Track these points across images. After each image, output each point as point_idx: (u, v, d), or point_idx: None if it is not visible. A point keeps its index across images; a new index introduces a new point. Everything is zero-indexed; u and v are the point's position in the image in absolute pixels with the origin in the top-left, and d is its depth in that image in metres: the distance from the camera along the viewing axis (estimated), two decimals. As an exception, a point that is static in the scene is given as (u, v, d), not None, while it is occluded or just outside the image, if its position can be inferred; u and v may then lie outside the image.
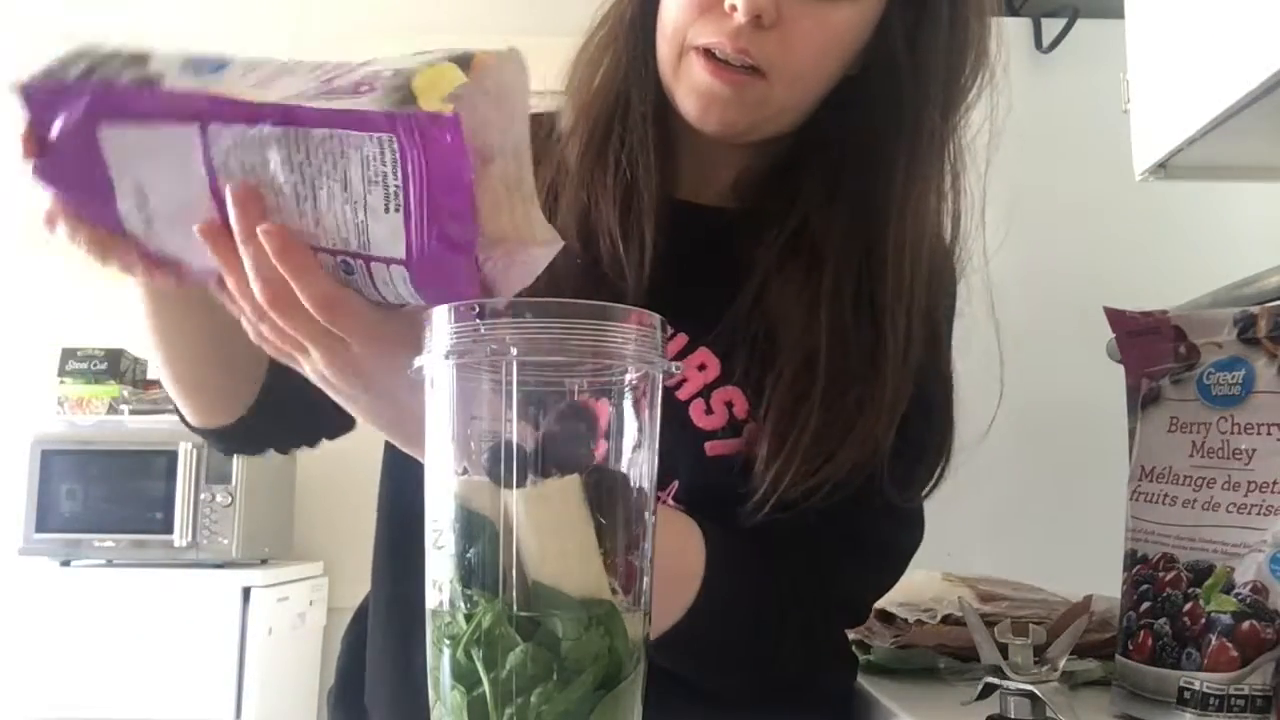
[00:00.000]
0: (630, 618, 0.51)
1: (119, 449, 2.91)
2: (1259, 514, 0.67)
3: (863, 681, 0.95)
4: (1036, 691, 0.63)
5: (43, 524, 2.88)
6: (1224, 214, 1.95)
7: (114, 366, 3.07)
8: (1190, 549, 0.70)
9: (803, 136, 0.86)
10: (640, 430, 0.53)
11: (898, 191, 0.83)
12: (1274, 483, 0.67)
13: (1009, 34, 2.04)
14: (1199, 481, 0.71)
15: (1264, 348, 0.70)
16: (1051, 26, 2.01)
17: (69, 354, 3.07)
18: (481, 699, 0.49)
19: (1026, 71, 2.02)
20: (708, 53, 0.77)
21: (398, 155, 0.51)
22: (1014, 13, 2.07)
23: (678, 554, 0.74)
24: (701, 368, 0.83)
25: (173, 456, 2.85)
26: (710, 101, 0.79)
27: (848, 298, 0.82)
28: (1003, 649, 0.66)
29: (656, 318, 0.53)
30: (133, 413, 2.98)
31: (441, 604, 0.51)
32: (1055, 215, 2.00)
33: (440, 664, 0.51)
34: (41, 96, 0.58)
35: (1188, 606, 0.69)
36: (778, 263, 0.83)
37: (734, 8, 0.74)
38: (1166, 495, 0.72)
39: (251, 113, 0.53)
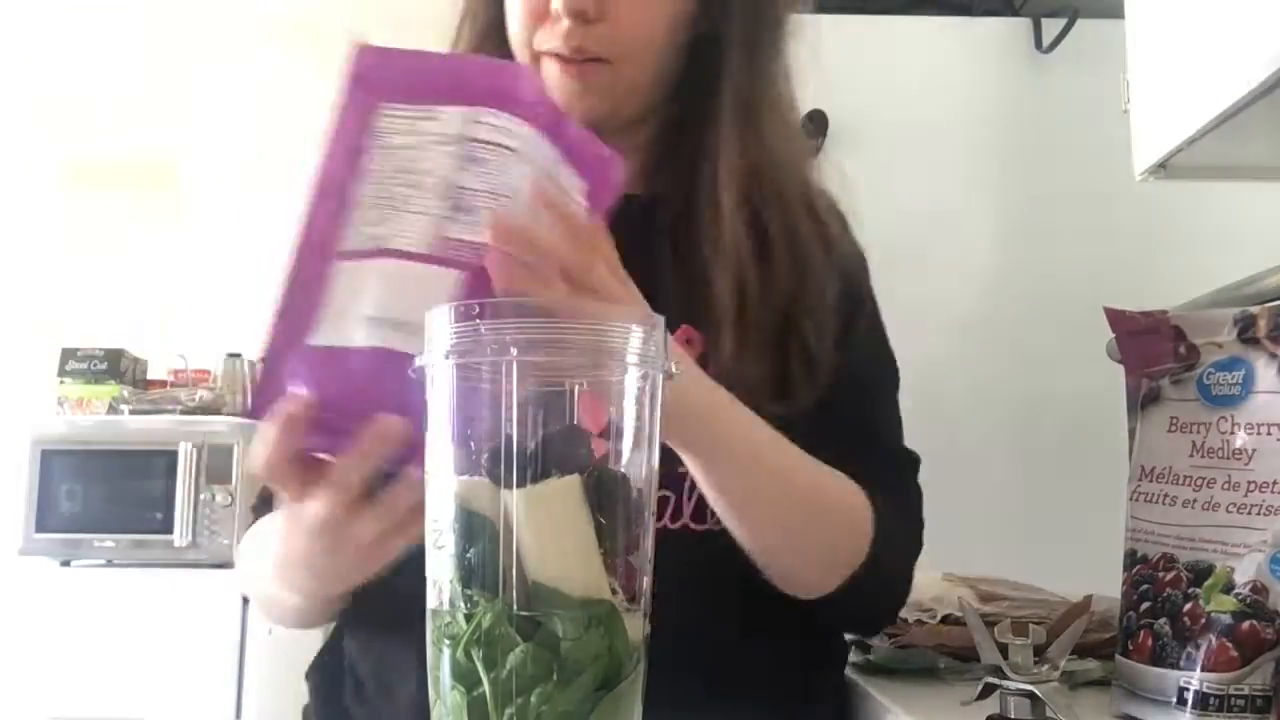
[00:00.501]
0: (630, 618, 0.51)
1: (119, 449, 2.91)
2: (1259, 514, 0.67)
3: (863, 681, 0.95)
4: (1036, 691, 0.63)
5: (43, 524, 2.87)
6: (1224, 214, 1.95)
7: (114, 366, 3.06)
8: (1190, 549, 0.70)
9: (670, 111, 0.95)
10: (640, 430, 0.53)
11: (758, 161, 0.93)
12: (1274, 482, 0.67)
13: (1009, 34, 2.04)
14: (1199, 481, 0.71)
15: (1264, 347, 0.70)
16: (1051, 26, 2.01)
17: (69, 354, 3.06)
18: (481, 699, 0.49)
19: (1026, 71, 2.02)
20: (555, 55, 0.88)
21: None
22: (1014, 13, 2.07)
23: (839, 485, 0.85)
24: (689, 341, 0.88)
25: (173, 456, 2.85)
26: (568, 96, 0.88)
27: (751, 237, 0.91)
28: (1003, 649, 0.66)
29: (658, 318, 0.53)
30: (133, 413, 2.97)
31: (441, 604, 0.51)
32: (1055, 215, 2.00)
33: (440, 664, 0.51)
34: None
35: (1188, 606, 0.69)
36: (684, 237, 0.91)
37: (559, 15, 0.86)
38: (1166, 495, 0.72)
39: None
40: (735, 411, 0.78)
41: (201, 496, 2.84)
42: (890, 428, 0.98)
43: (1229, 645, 0.65)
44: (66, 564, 2.88)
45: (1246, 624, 0.64)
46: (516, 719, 0.48)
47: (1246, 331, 0.71)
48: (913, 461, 0.98)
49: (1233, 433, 0.70)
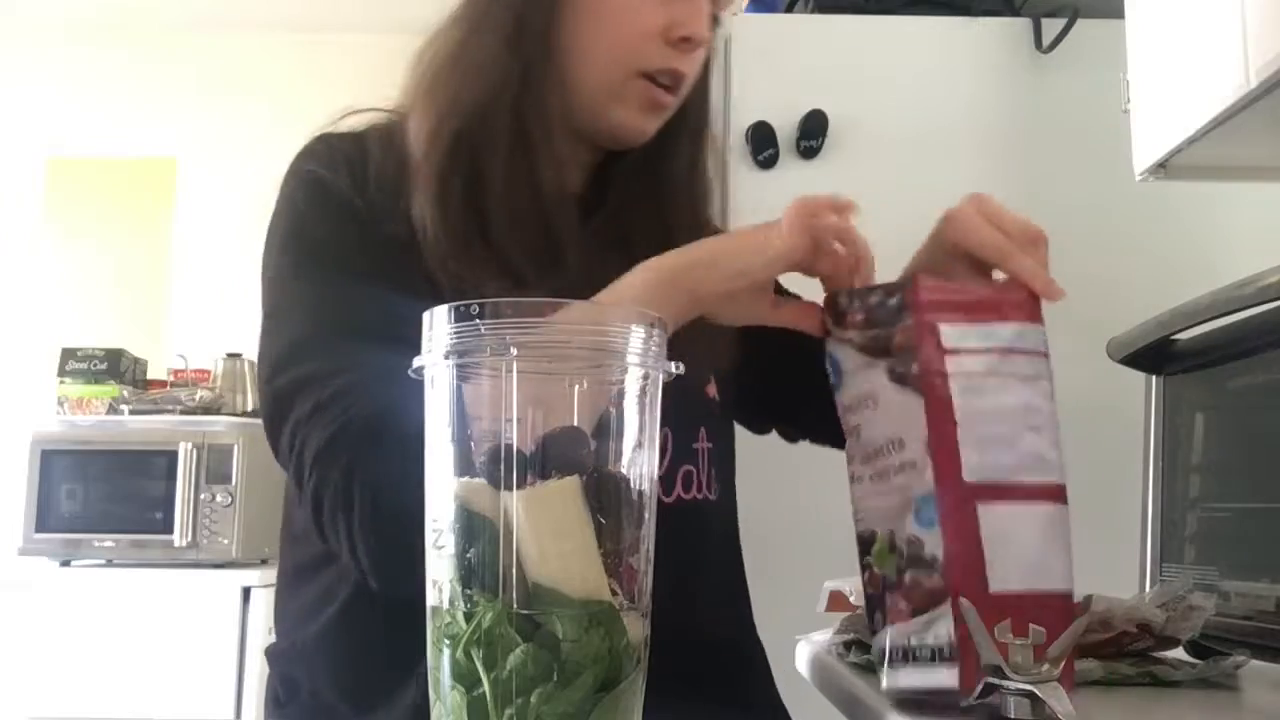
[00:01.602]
0: (630, 618, 0.51)
1: (119, 449, 2.91)
2: (890, 477, 0.71)
3: (862, 681, 0.95)
4: (1036, 691, 0.63)
5: (43, 524, 2.88)
6: (1224, 214, 1.95)
7: (114, 366, 3.07)
8: (863, 522, 0.75)
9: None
10: (640, 431, 0.53)
11: (685, 177, 0.99)
12: (882, 448, 0.71)
13: (1009, 34, 2.04)
14: (849, 458, 0.76)
15: (838, 335, 0.75)
16: (1051, 26, 2.01)
17: (69, 354, 3.07)
18: (481, 699, 0.49)
19: (1026, 71, 2.02)
20: (650, 76, 0.89)
21: None
22: (1014, 13, 2.07)
23: None
24: None
25: (173, 456, 2.85)
26: (644, 118, 0.92)
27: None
28: (1003, 649, 0.66)
29: (658, 318, 0.53)
30: (133, 413, 2.98)
31: (441, 604, 0.51)
32: (1055, 215, 2.00)
33: (440, 664, 0.51)
34: None
35: (867, 575, 0.74)
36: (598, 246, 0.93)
37: (684, 39, 0.88)
38: (851, 475, 0.76)
39: None
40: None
41: (201, 496, 2.84)
42: None
43: (899, 599, 0.70)
44: (66, 564, 2.89)
45: (908, 576, 0.69)
46: (516, 719, 0.48)
47: (834, 321, 0.76)
48: None
49: (845, 414, 0.75)
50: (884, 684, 0.72)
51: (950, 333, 0.71)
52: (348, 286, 0.84)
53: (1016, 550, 0.67)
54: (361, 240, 0.87)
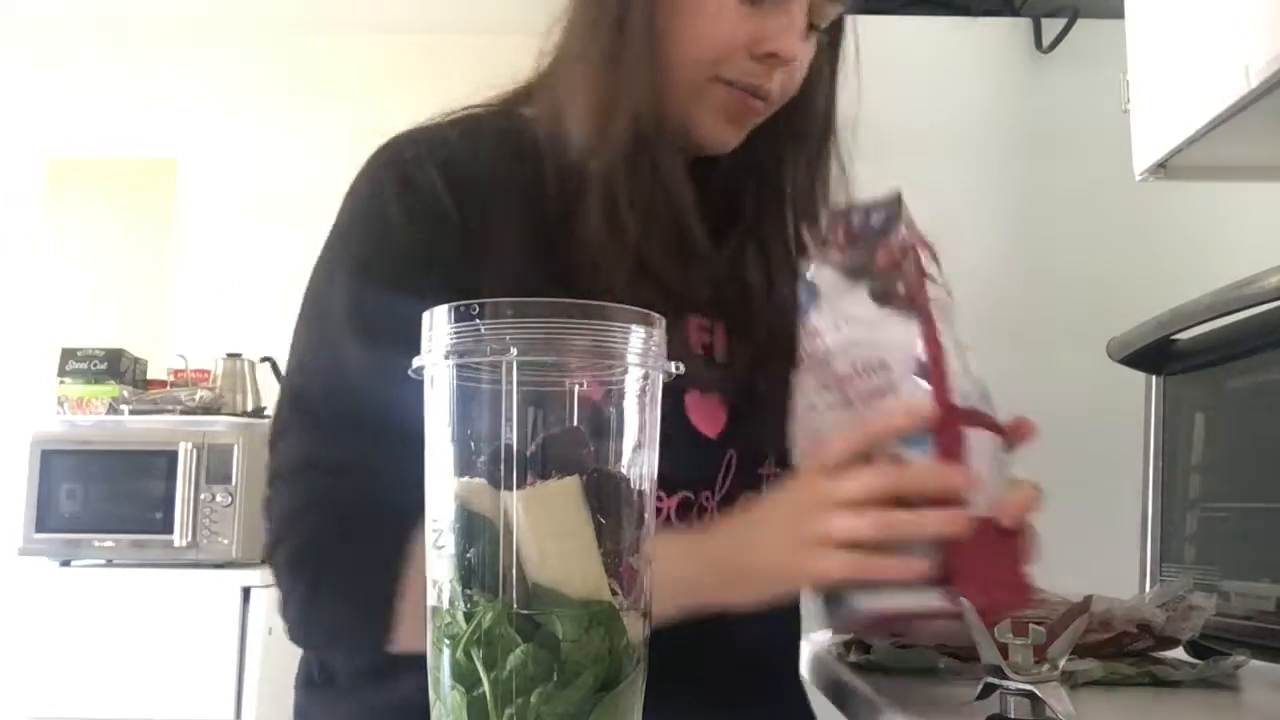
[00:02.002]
0: (630, 618, 0.50)
1: (119, 449, 2.91)
2: (867, 400, 0.70)
3: (862, 681, 0.95)
4: (1036, 691, 0.63)
5: (43, 524, 2.88)
6: (1224, 214, 1.95)
7: (114, 366, 3.07)
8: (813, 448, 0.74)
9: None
10: (640, 431, 0.53)
11: (819, 185, 0.99)
12: (858, 372, 0.70)
13: (1009, 34, 2.04)
14: (804, 388, 0.75)
15: (828, 254, 0.74)
16: (1051, 26, 2.01)
17: (69, 354, 3.07)
18: (481, 699, 0.49)
19: (1026, 71, 2.02)
20: (738, 86, 0.87)
21: None
22: (1014, 13, 2.07)
23: None
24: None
25: (173, 456, 2.85)
26: (727, 126, 0.89)
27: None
28: (1003, 649, 0.66)
29: (658, 318, 0.53)
30: (133, 413, 2.98)
31: (441, 604, 0.51)
32: (1055, 215, 2.00)
33: (440, 664, 0.51)
34: None
35: None
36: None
37: (770, 55, 0.86)
38: (803, 405, 0.76)
39: None
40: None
41: (201, 496, 2.84)
42: None
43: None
44: (66, 564, 2.89)
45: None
46: (516, 719, 0.48)
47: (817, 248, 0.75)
48: None
49: (813, 338, 0.74)
50: (862, 605, 0.71)
51: (924, 257, 0.70)
52: (403, 296, 0.80)
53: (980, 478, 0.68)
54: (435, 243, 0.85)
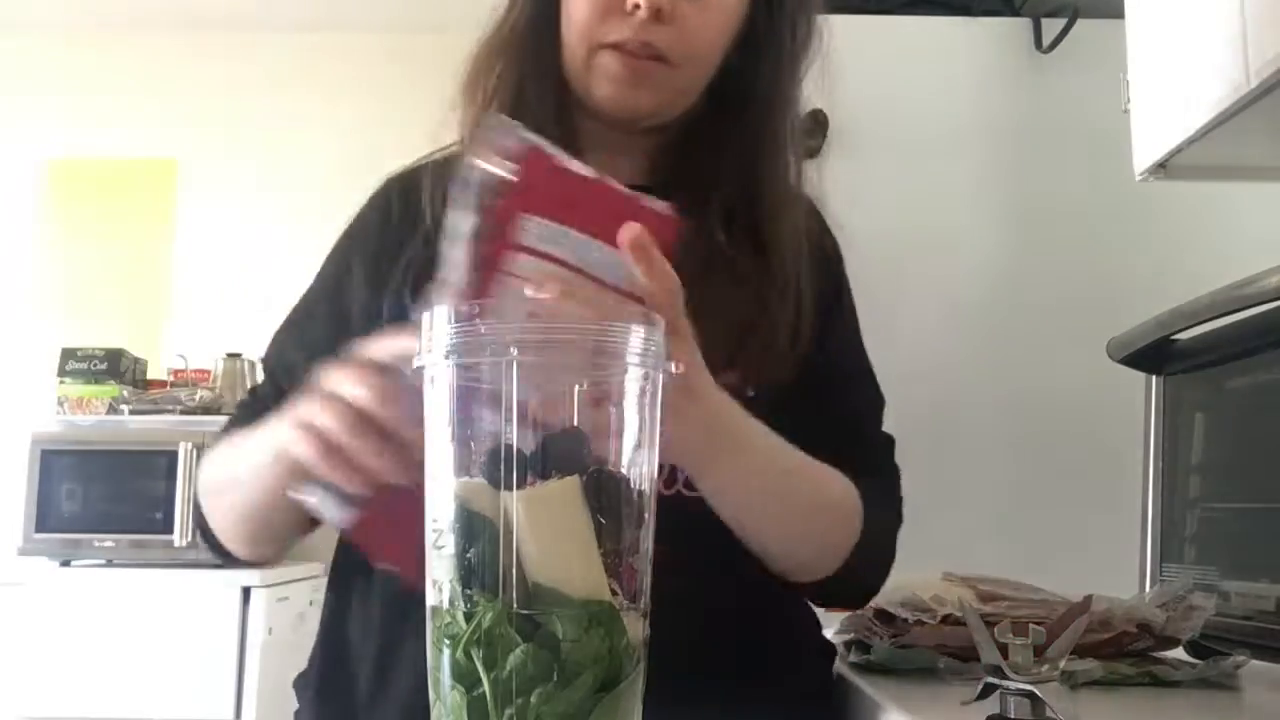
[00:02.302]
0: (630, 618, 0.50)
1: (119, 449, 2.91)
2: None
3: (862, 681, 0.95)
4: (1036, 691, 0.63)
5: (43, 524, 2.88)
6: (1224, 214, 1.95)
7: (114, 366, 3.07)
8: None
9: (689, 121, 0.97)
10: (640, 431, 0.53)
11: (769, 159, 0.97)
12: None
13: (1009, 34, 2.04)
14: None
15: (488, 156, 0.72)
16: (1051, 26, 2.01)
17: (69, 354, 3.07)
18: (481, 699, 0.49)
19: (1026, 71, 2.02)
20: (616, 47, 0.90)
21: None
22: (1014, 13, 2.07)
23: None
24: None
25: (173, 456, 2.85)
26: (623, 89, 0.91)
27: (746, 254, 0.94)
28: (1003, 649, 0.66)
29: (658, 318, 0.53)
30: (133, 413, 2.98)
31: (441, 604, 0.51)
32: (1055, 215, 2.00)
33: (440, 664, 0.51)
34: None
35: None
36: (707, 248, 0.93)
37: (637, 6, 0.87)
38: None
39: None
40: (752, 424, 0.81)
41: (201, 496, 2.84)
42: (871, 414, 1.03)
43: None
44: (66, 564, 2.89)
45: None
46: (516, 719, 0.48)
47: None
48: (891, 442, 1.02)
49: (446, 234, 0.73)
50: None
51: (530, 227, 0.68)
52: (317, 290, 0.99)
53: None
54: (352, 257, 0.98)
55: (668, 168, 0.98)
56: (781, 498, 0.86)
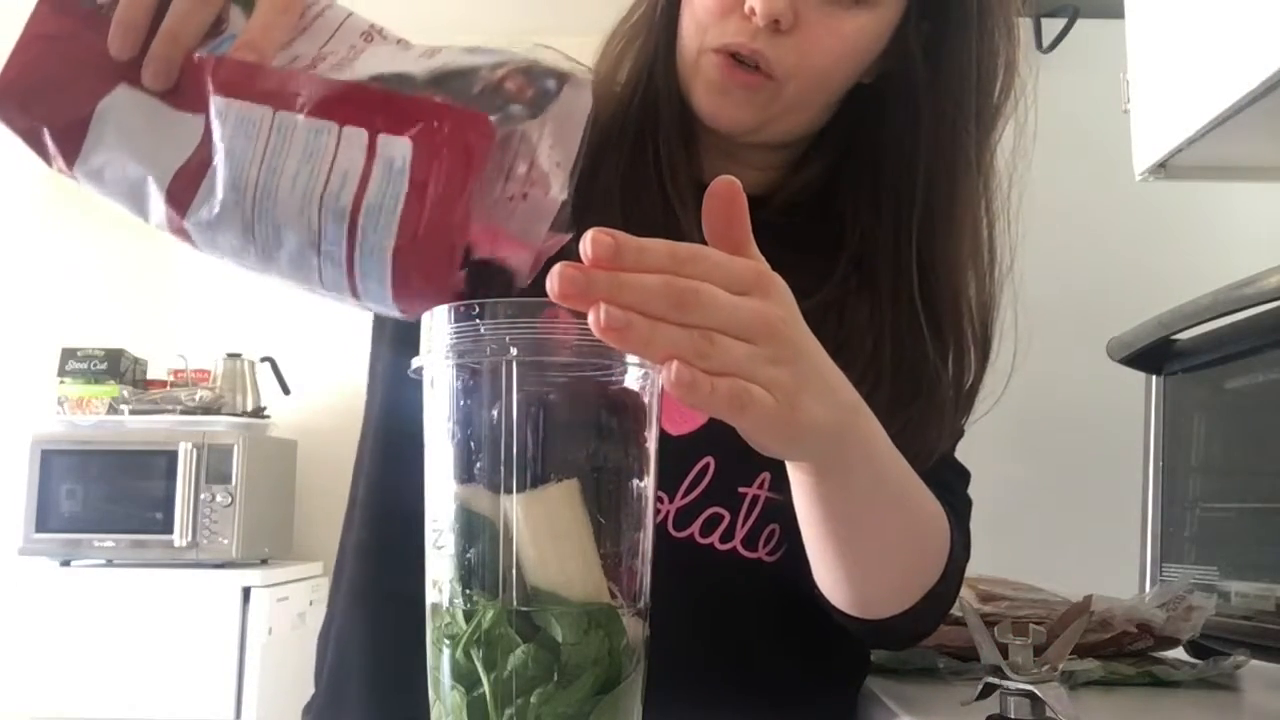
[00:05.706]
0: (630, 620, 0.50)
1: (119, 449, 2.92)
2: None
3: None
4: (1036, 691, 0.63)
5: (43, 524, 2.88)
6: (1224, 214, 1.95)
7: (114, 366, 3.07)
8: None
9: (825, 141, 0.89)
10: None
11: (942, 212, 0.86)
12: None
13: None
14: None
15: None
16: (1051, 26, 2.01)
17: (69, 354, 3.07)
18: (481, 699, 0.49)
19: (1026, 71, 2.02)
20: (723, 52, 0.80)
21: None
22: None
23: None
24: None
25: (173, 456, 2.85)
26: (723, 99, 0.82)
27: (906, 323, 0.85)
28: (1003, 649, 0.66)
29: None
30: (133, 413, 2.98)
31: (441, 604, 0.51)
32: (1055, 215, 2.00)
33: (440, 664, 0.50)
34: None
35: None
36: (841, 283, 0.85)
37: (753, 11, 0.77)
38: None
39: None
40: (873, 425, 0.65)
41: (201, 496, 2.84)
42: (951, 441, 0.94)
43: None
44: (66, 564, 2.89)
45: None
46: (516, 719, 0.48)
47: None
48: (967, 474, 0.96)
49: None
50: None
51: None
52: None
53: None
54: None
55: (799, 188, 0.89)
56: (883, 519, 0.71)
